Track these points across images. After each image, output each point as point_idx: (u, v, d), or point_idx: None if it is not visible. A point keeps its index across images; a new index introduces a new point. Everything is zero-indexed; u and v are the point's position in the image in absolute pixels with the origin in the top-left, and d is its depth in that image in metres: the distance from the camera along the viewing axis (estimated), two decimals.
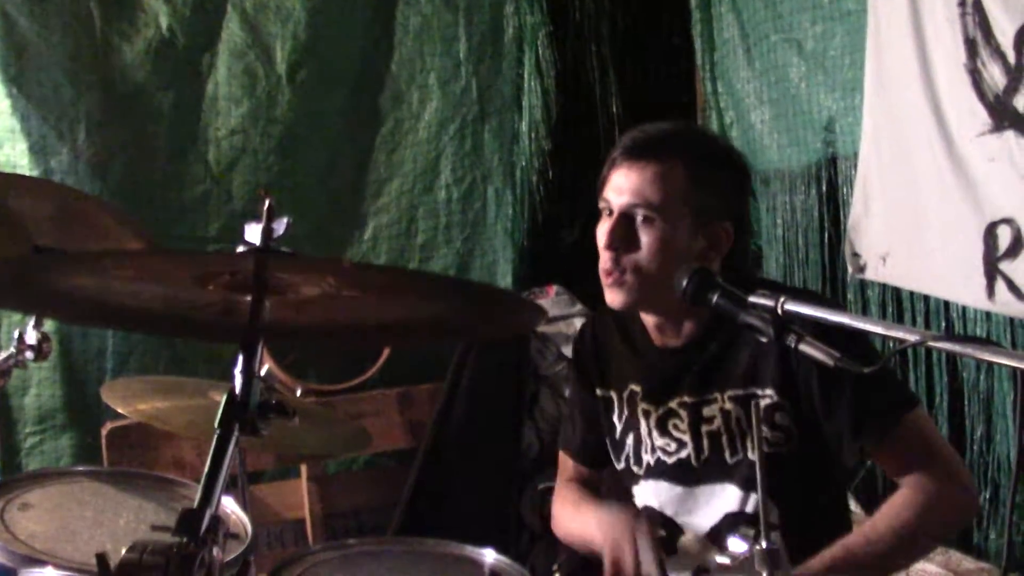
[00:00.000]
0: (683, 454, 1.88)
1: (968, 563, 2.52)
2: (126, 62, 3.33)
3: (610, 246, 1.79)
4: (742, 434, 1.81)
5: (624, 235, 1.79)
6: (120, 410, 1.98)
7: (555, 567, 2.35)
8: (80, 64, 3.27)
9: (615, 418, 2.00)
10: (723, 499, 1.84)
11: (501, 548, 1.92)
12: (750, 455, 1.79)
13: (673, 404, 1.89)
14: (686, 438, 1.87)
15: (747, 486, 1.80)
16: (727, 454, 1.83)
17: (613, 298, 1.84)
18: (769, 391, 1.78)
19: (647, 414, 1.93)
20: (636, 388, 1.95)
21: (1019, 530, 2.43)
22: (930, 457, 1.74)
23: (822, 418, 1.76)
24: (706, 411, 1.85)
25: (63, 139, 3.24)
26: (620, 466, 2.00)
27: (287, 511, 3.35)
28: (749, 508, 1.81)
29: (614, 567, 1.74)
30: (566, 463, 2.14)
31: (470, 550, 1.95)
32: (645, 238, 1.78)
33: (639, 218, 1.78)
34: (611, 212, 1.82)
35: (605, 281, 1.83)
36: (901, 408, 1.75)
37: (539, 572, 2.65)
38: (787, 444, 1.78)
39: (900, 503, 1.72)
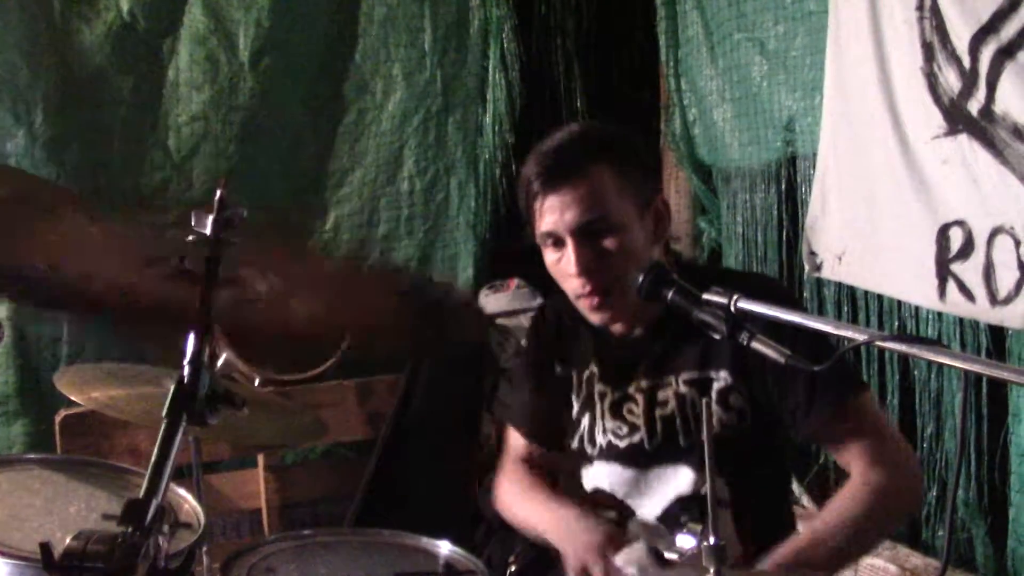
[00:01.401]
0: (635, 438, 1.89)
1: (916, 559, 2.56)
2: (85, 45, 3.29)
3: (583, 272, 1.77)
4: (696, 417, 1.82)
5: (590, 254, 1.77)
6: (74, 398, 1.96)
7: (511, 559, 2.36)
8: (38, 46, 3.23)
9: (573, 397, 2.01)
10: (676, 482, 1.86)
11: (457, 540, 1.94)
12: (704, 437, 1.81)
13: (630, 389, 1.90)
14: (639, 422, 1.88)
15: (700, 468, 1.82)
16: (680, 437, 1.85)
17: (602, 318, 1.84)
18: (723, 373, 1.80)
19: (602, 396, 1.94)
20: (595, 369, 1.97)
21: (963, 526, 2.47)
22: (878, 440, 1.77)
23: (776, 398, 1.78)
24: (660, 395, 1.87)
25: (20, 122, 3.20)
26: (573, 446, 2.01)
27: (243, 501, 3.33)
28: (703, 490, 1.83)
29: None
30: (515, 441, 2.13)
31: (426, 541, 1.96)
32: (608, 248, 1.77)
33: (593, 231, 1.77)
34: (557, 240, 1.80)
35: (587, 304, 1.82)
36: (852, 389, 1.78)
37: (495, 564, 2.66)
38: (740, 425, 1.80)
39: (848, 497, 1.74)
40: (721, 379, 1.81)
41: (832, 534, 1.72)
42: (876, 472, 1.73)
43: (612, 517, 1.93)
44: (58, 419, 3.02)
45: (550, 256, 1.83)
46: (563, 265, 1.80)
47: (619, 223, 1.78)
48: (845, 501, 1.75)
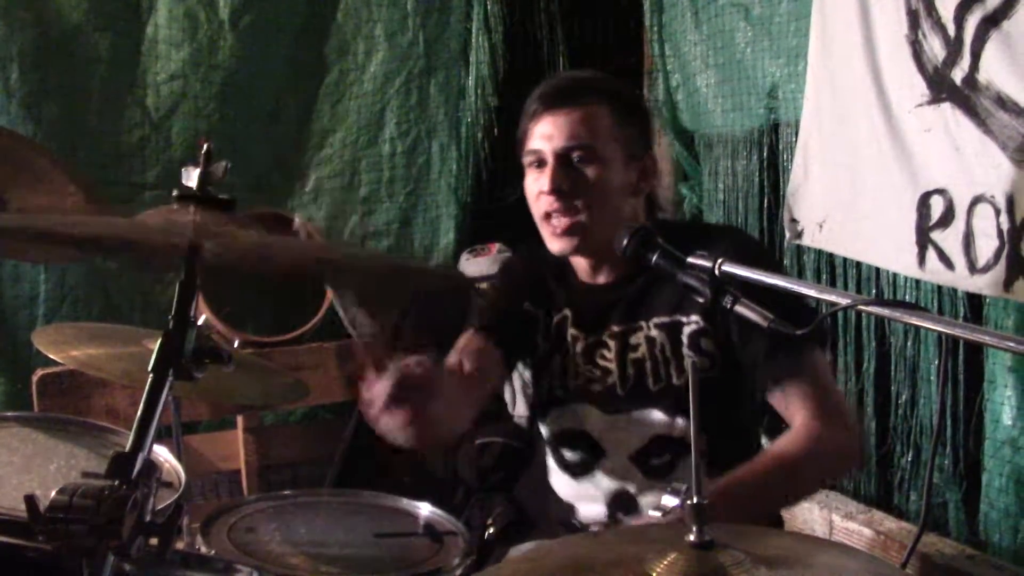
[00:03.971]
0: (608, 382, 1.91)
1: (890, 522, 2.60)
2: (62, 1, 3.23)
3: (555, 189, 1.81)
4: (666, 361, 1.86)
5: (566, 176, 1.81)
6: (52, 356, 1.95)
7: (489, 521, 2.38)
8: (14, 1, 3.17)
9: (539, 338, 2.00)
10: (649, 423, 1.88)
11: (437, 502, 1.95)
12: (674, 381, 1.85)
13: (603, 335, 1.92)
14: (612, 367, 1.90)
15: (671, 411, 1.86)
16: (651, 381, 1.87)
17: (563, 244, 1.85)
18: (695, 317, 1.83)
19: (575, 340, 1.95)
20: (567, 313, 1.98)
21: (939, 492, 2.51)
22: (822, 396, 1.77)
23: (739, 345, 1.80)
24: (632, 339, 1.89)
25: None
26: (536, 388, 2.02)
27: (222, 462, 3.33)
28: (675, 432, 1.86)
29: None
30: (461, 340, 2.03)
31: (406, 503, 1.97)
32: (586, 176, 1.81)
33: (576, 158, 1.82)
34: (540, 162, 1.84)
35: (552, 227, 1.84)
36: (808, 346, 1.77)
37: (474, 526, 2.68)
38: (711, 369, 1.83)
39: (786, 441, 1.75)
40: (692, 323, 1.83)
41: (766, 473, 1.72)
42: (817, 423, 1.74)
43: (581, 458, 1.95)
44: (35, 378, 2.99)
45: (530, 177, 1.88)
46: (539, 183, 1.84)
47: (603, 157, 1.82)
48: (783, 445, 1.76)
